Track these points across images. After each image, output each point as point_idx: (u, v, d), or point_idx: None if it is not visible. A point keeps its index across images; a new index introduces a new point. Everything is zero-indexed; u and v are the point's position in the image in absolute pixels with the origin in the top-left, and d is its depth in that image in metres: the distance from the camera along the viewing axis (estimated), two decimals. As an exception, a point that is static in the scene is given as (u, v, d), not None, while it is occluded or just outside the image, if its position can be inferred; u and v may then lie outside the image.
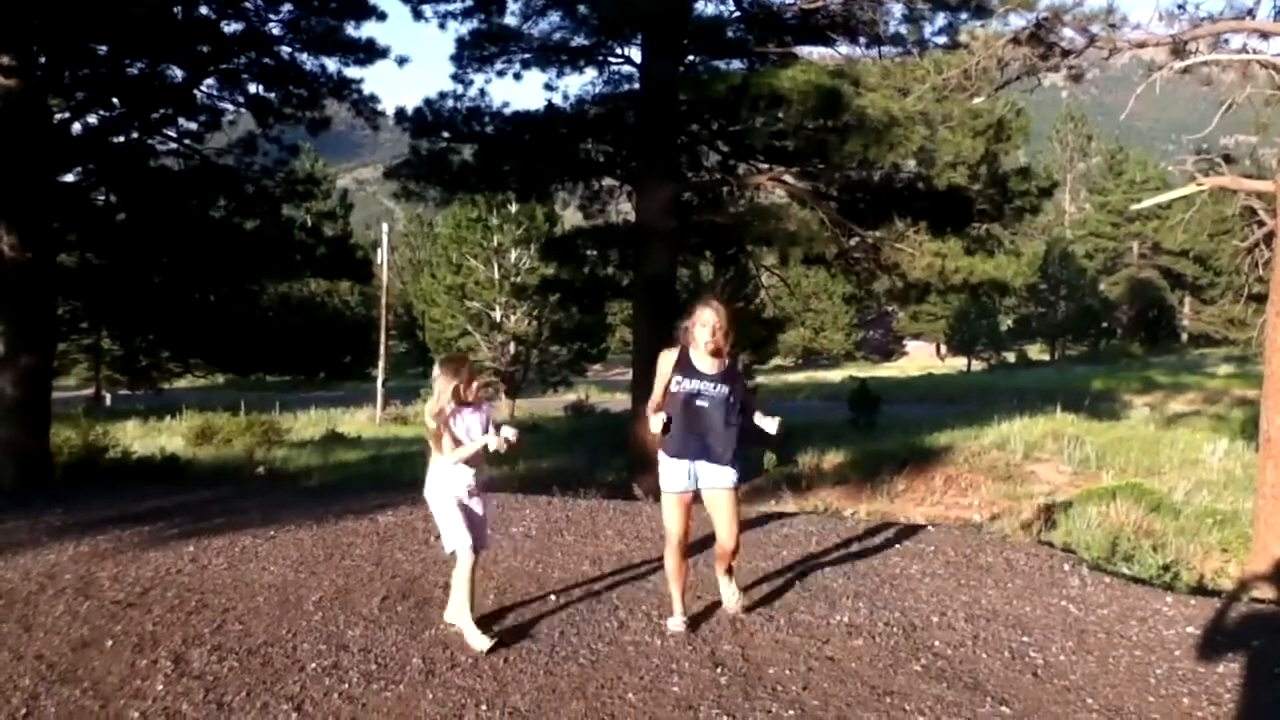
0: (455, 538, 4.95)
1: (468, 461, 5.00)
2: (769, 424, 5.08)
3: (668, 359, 5.10)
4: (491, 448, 4.90)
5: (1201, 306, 64.50)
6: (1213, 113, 9.37)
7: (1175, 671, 4.69)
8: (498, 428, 4.94)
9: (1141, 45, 9.00)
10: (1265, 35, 8.97)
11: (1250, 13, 9.54)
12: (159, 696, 4.40)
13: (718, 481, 5.14)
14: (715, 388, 5.02)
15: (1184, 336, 68.12)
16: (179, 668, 4.72)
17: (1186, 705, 4.33)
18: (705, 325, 4.99)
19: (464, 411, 5.00)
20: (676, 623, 5.19)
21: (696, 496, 5.20)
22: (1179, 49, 8.89)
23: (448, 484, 5.01)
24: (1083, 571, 6.42)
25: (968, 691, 4.43)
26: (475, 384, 5.07)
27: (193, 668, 4.72)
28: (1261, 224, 9.22)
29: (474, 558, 4.97)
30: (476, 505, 5.12)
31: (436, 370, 5.09)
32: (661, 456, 5.18)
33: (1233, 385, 30.01)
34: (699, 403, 5.02)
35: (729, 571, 5.48)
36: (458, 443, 4.95)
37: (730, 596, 5.47)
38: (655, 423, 5.02)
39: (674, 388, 5.05)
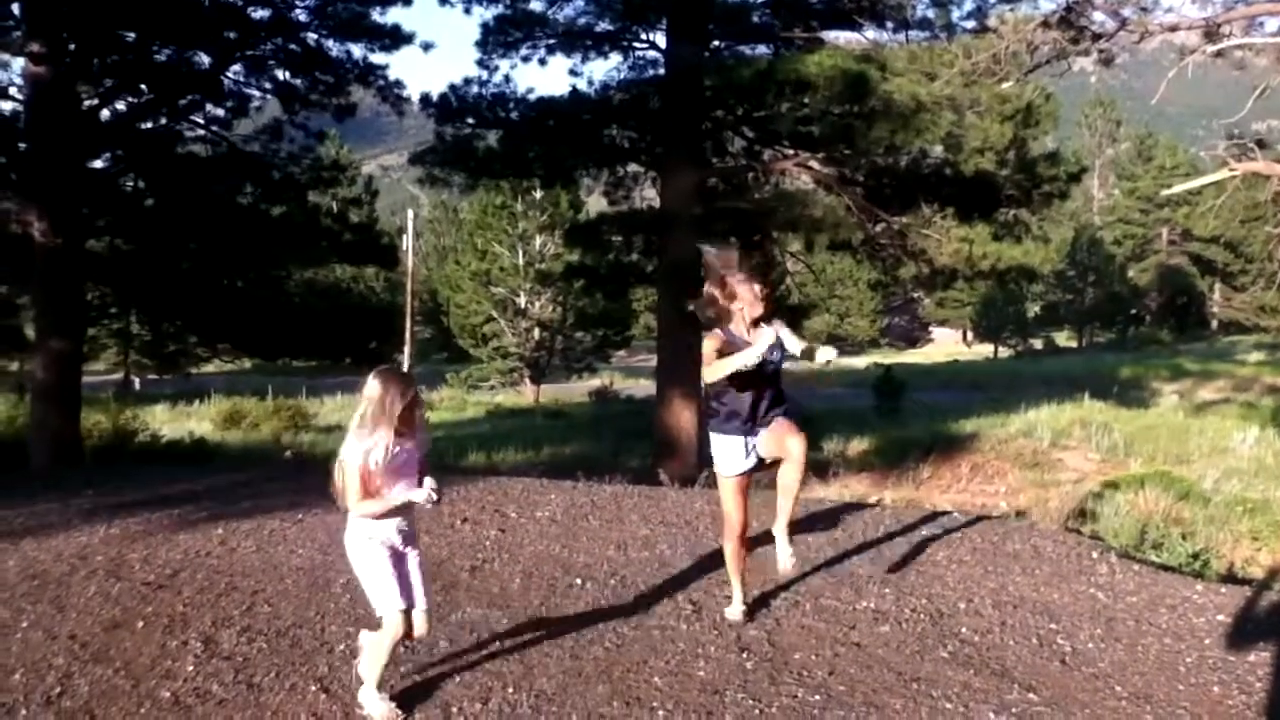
0: (387, 597, 3.99)
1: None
2: (824, 352, 4.85)
3: (713, 341, 4.76)
4: (420, 501, 3.98)
5: (1232, 293, 63.84)
6: (1245, 97, 9.26)
7: (1205, 660, 4.66)
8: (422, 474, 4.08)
9: (1174, 29, 8.91)
10: (1301, 17, 8.85)
11: (1286, -6, 9.41)
12: (189, 677, 4.44)
13: (775, 415, 4.88)
14: (771, 352, 4.68)
15: (1214, 323, 67.43)
16: (209, 649, 4.77)
17: (1217, 694, 4.30)
18: (743, 301, 4.79)
19: (400, 445, 4.00)
20: (736, 611, 5.10)
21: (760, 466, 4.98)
22: (1212, 32, 8.79)
23: (374, 531, 4.04)
24: (1111, 559, 6.37)
25: (995, 678, 4.42)
26: (418, 410, 4.11)
27: (222, 649, 4.77)
28: (1295, 209, 9.11)
29: (405, 624, 4.01)
30: (412, 556, 4.15)
31: (373, 388, 3.95)
32: (716, 437, 4.93)
33: (1263, 373, 29.68)
34: (768, 366, 4.74)
35: (789, 526, 5.06)
36: (370, 493, 3.95)
37: (786, 557, 5.00)
38: (756, 348, 4.56)
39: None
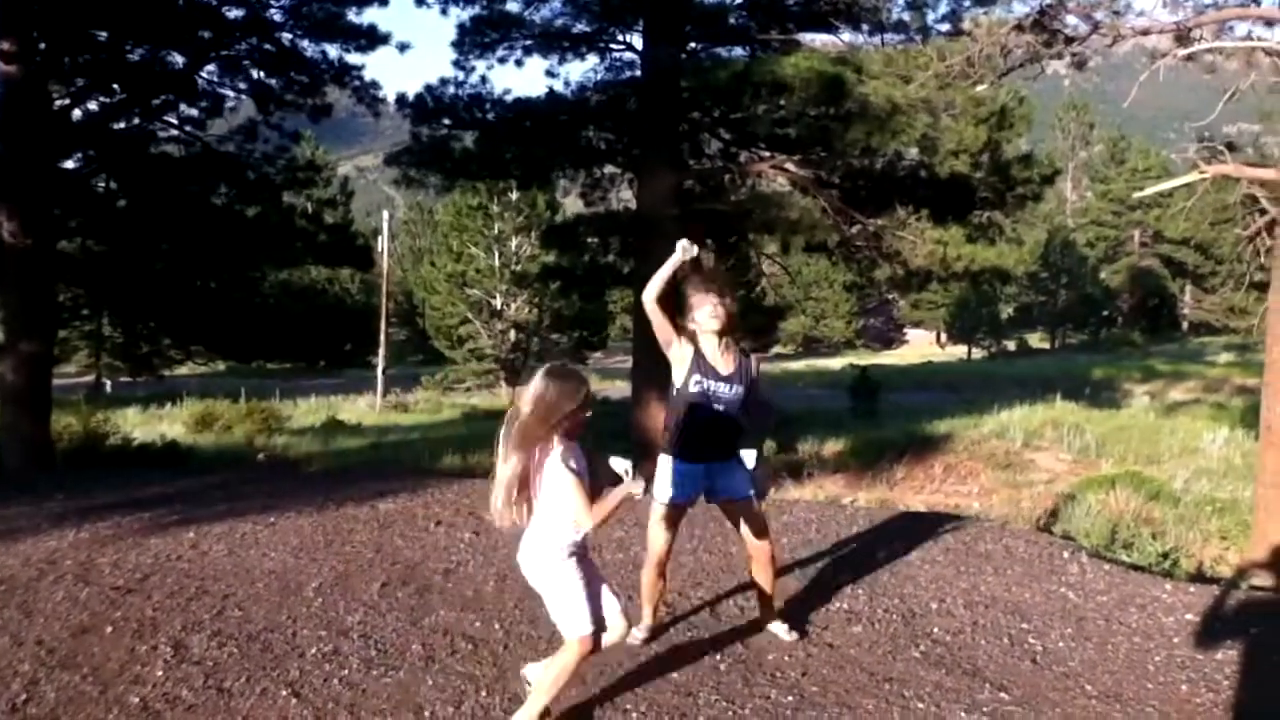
0: (581, 618, 3.71)
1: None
2: (749, 458, 4.68)
3: (684, 348, 4.64)
4: (637, 494, 3.69)
5: (1202, 295, 64.38)
6: (1216, 100, 9.33)
7: (1174, 658, 4.70)
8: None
9: (1145, 32, 8.96)
10: (1270, 23, 8.94)
11: (1255, 0, 9.51)
12: (159, 682, 4.41)
13: (736, 491, 4.72)
14: (731, 389, 4.60)
15: (1185, 325, 68.05)
16: (179, 653, 4.73)
17: (1185, 692, 4.34)
18: (703, 309, 4.63)
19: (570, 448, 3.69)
20: (641, 631, 4.81)
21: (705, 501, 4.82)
22: (1183, 36, 8.85)
23: (575, 546, 3.76)
24: (1082, 559, 6.43)
25: (966, 678, 4.44)
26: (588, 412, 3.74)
27: (193, 653, 4.73)
28: (1264, 212, 9.19)
29: (595, 642, 3.75)
30: (591, 565, 3.91)
31: (550, 390, 3.65)
32: (664, 460, 4.71)
33: (1233, 374, 29.97)
34: (716, 406, 4.59)
35: (770, 603, 4.93)
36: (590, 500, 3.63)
37: (784, 631, 4.89)
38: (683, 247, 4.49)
39: (691, 388, 4.59)
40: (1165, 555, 8.60)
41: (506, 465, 3.66)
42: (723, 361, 4.64)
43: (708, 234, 17.59)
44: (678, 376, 4.68)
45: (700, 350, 4.64)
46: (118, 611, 5.32)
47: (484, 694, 4.25)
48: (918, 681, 4.38)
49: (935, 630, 5.04)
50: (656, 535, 4.75)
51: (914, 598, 5.54)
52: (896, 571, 6.05)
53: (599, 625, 3.74)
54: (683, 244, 4.52)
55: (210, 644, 4.85)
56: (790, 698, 4.20)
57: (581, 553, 3.80)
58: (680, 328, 4.69)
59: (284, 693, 4.29)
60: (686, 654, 4.68)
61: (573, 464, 3.60)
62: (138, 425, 21.55)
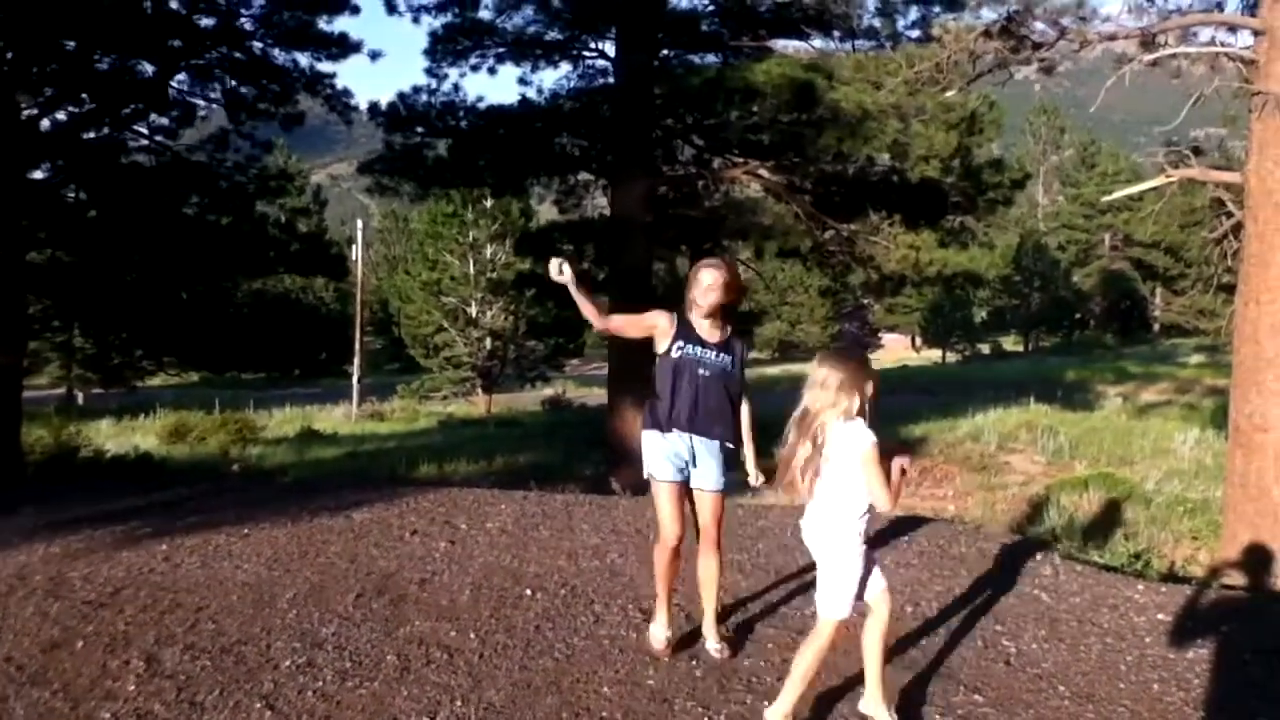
0: (843, 602, 3.85)
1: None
2: (751, 472, 4.58)
3: (664, 317, 4.58)
4: (907, 470, 3.85)
5: (1172, 297, 65.03)
6: (1183, 105, 9.44)
7: (1145, 658, 4.74)
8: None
9: (1112, 38, 9.06)
10: (1233, 28, 9.05)
11: (1218, 6, 9.65)
12: (130, 697, 4.37)
13: (705, 483, 4.62)
14: (717, 356, 4.52)
15: (1155, 327, 68.70)
16: (151, 667, 4.69)
17: (1156, 691, 4.38)
18: (701, 285, 4.50)
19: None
20: (658, 636, 4.73)
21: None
22: (1148, 42, 8.95)
23: (861, 526, 3.86)
24: (1055, 561, 6.47)
25: (940, 680, 4.47)
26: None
27: (165, 667, 4.70)
28: (1230, 215, 9.31)
29: (841, 631, 3.91)
30: (870, 549, 4.02)
31: (835, 376, 3.75)
32: (648, 436, 4.59)
33: (1203, 375, 30.27)
34: (700, 371, 4.49)
35: (715, 613, 4.83)
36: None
37: (714, 647, 4.75)
38: (555, 265, 4.36)
39: (674, 353, 4.50)
40: (1137, 556, 8.67)
41: (803, 445, 3.80)
42: (710, 332, 4.57)
43: (681, 239, 17.67)
44: (660, 345, 4.59)
45: (686, 319, 4.58)
46: (89, 626, 5.27)
47: (459, 704, 4.24)
48: (892, 685, 4.40)
49: (909, 633, 5.07)
50: (664, 515, 4.57)
51: (889, 601, 5.56)
52: (871, 575, 6.08)
53: (853, 613, 3.89)
54: (555, 263, 4.40)
55: (183, 657, 4.81)
56: (765, 703, 4.20)
57: (869, 535, 3.91)
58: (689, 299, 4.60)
59: (258, 705, 4.26)
60: (662, 661, 4.68)
61: (874, 445, 3.72)
62: (110, 437, 21.38)
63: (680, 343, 4.54)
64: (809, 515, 3.92)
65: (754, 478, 4.57)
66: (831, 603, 3.84)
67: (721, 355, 4.57)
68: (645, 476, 4.65)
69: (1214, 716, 4.19)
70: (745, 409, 4.72)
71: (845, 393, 3.73)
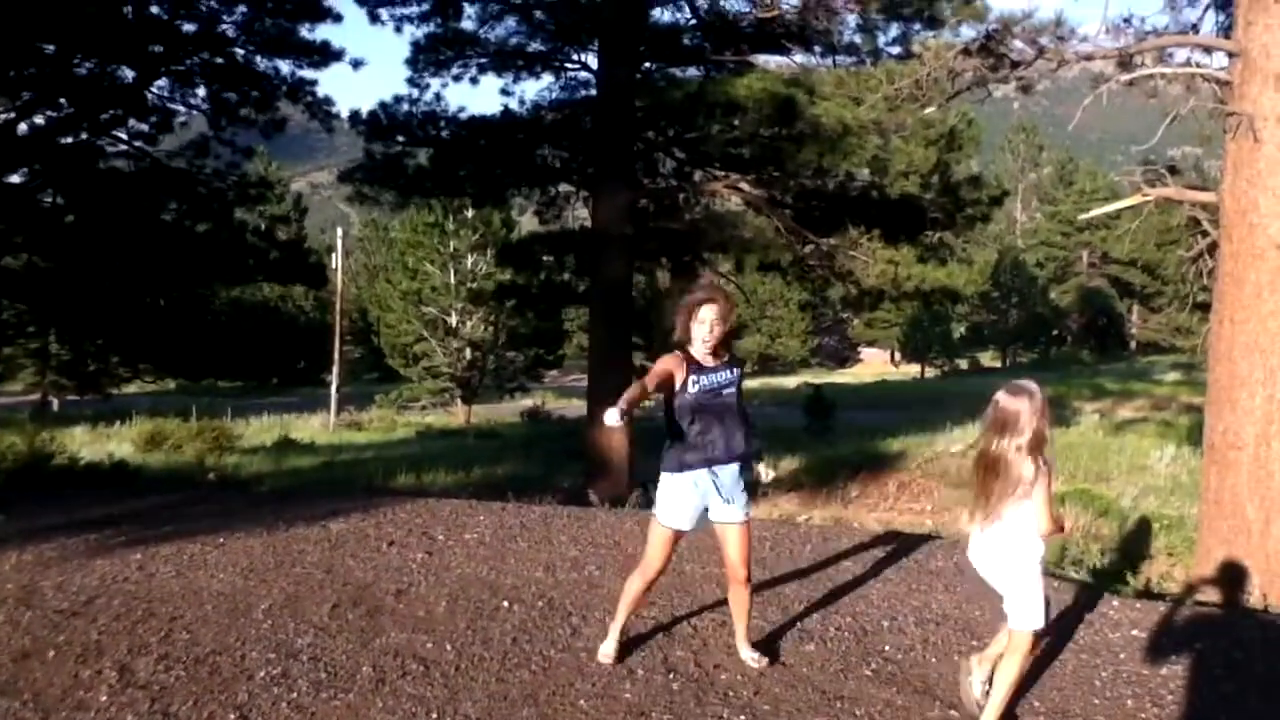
0: (1039, 614, 4.08)
1: None
2: (760, 469, 4.66)
3: (672, 364, 4.53)
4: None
5: (1149, 315, 65.68)
6: (1159, 125, 9.53)
7: (1120, 674, 4.77)
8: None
9: (1089, 58, 9.13)
10: (1208, 50, 9.15)
11: (1194, 28, 9.75)
12: (103, 707, 4.32)
13: (729, 515, 4.64)
14: (727, 382, 4.57)
15: (1132, 344, 69.29)
16: (124, 678, 4.65)
17: (1130, 707, 4.40)
18: (704, 323, 4.50)
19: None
20: (609, 648, 4.84)
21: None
22: (1125, 62, 9.03)
23: (1040, 548, 4.10)
24: (1031, 576, 6.50)
25: (917, 695, 4.47)
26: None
27: (138, 677, 4.65)
28: (1206, 234, 9.38)
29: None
30: None
31: (1036, 407, 4.00)
32: (670, 478, 4.59)
33: (1180, 392, 30.49)
34: (717, 401, 4.54)
35: (747, 631, 4.89)
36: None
37: (751, 656, 4.83)
38: (611, 416, 4.16)
39: (692, 389, 4.49)
40: (1113, 572, 8.73)
41: (1005, 479, 4.00)
42: (714, 360, 4.59)
43: (662, 252, 17.71)
44: (678, 386, 4.54)
45: (689, 353, 4.57)
46: (61, 635, 5.22)
47: (434, 716, 4.22)
48: (869, 700, 4.41)
49: (887, 648, 5.08)
50: (653, 554, 4.69)
51: (866, 616, 5.57)
52: (849, 590, 6.09)
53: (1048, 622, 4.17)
54: (611, 415, 4.24)
55: (157, 667, 4.77)
56: (742, 717, 4.21)
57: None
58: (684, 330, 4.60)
59: (232, 716, 4.23)
60: (638, 673, 4.67)
61: (1048, 477, 4.01)
62: (85, 444, 21.15)
63: (695, 378, 4.52)
64: (994, 538, 4.11)
65: (764, 475, 4.62)
66: (1029, 615, 4.06)
67: (728, 378, 4.60)
68: (653, 513, 4.71)
69: (1187, 732, 4.22)
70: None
71: (1031, 424, 3.98)
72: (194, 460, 19.94)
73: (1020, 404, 4.00)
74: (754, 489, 14.31)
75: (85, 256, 13.87)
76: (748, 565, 4.75)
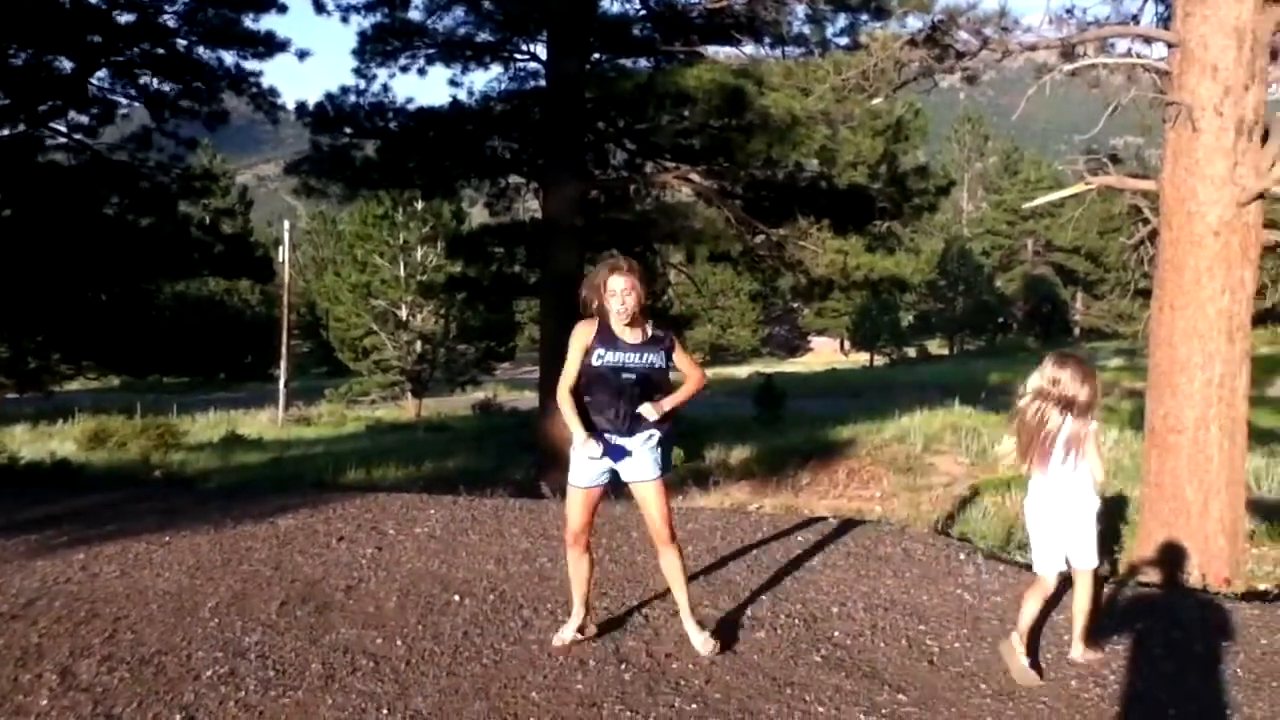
0: (1098, 551, 4.75)
1: None
2: (647, 410, 4.58)
3: (584, 332, 4.59)
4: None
5: (1092, 301, 66.67)
6: (1101, 114, 9.65)
7: (1064, 656, 4.85)
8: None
9: (1033, 48, 9.24)
10: (1149, 41, 9.29)
11: (1135, 18, 9.88)
12: (43, 712, 4.25)
13: (640, 474, 4.68)
14: (642, 358, 4.57)
15: (1076, 330, 70.32)
16: (65, 680, 4.57)
17: (1074, 688, 4.48)
18: (614, 293, 4.53)
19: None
20: (567, 632, 4.91)
21: (611, 489, 4.84)
22: (1068, 52, 9.15)
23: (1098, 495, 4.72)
24: (978, 560, 6.59)
25: (866, 680, 4.52)
26: None
27: (81, 680, 4.57)
28: (1146, 222, 9.53)
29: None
30: None
31: (1088, 373, 4.54)
32: (576, 444, 4.60)
33: (1122, 377, 30.98)
34: (625, 376, 4.55)
35: (690, 606, 4.88)
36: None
37: (701, 642, 4.81)
38: (579, 436, 4.44)
39: (595, 361, 4.54)
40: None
41: (1062, 430, 4.52)
42: (631, 334, 4.61)
43: (613, 243, 17.68)
44: (587, 355, 4.61)
45: (606, 324, 4.59)
46: (0, 639, 5.12)
47: (385, 712, 4.20)
48: (818, 686, 4.45)
49: (836, 634, 5.12)
50: (572, 513, 4.78)
51: (815, 602, 5.62)
52: (799, 577, 6.14)
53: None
54: (590, 447, 4.50)
55: (100, 669, 4.69)
56: (694, 705, 4.23)
57: None
58: (585, 308, 4.69)
59: (177, 717, 4.17)
60: (590, 664, 4.68)
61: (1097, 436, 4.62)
62: (26, 443, 20.77)
63: (600, 350, 4.57)
64: (1067, 485, 4.58)
65: (649, 411, 4.57)
66: (1096, 555, 4.71)
67: (646, 355, 4.61)
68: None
69: (1128, 711, 4.30)
70: (693, 381, 4.85)
71: (1089, 385, 4.50)
72: (139, 458, 19.64)
73: (1083, 371, 4.53)
74: (706, 477, 14.39)
75: (24, 251, 13.58)
76: (669, 524, 4.75)
